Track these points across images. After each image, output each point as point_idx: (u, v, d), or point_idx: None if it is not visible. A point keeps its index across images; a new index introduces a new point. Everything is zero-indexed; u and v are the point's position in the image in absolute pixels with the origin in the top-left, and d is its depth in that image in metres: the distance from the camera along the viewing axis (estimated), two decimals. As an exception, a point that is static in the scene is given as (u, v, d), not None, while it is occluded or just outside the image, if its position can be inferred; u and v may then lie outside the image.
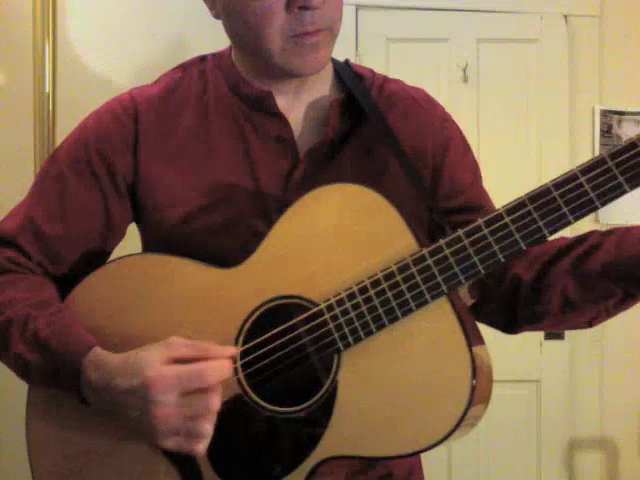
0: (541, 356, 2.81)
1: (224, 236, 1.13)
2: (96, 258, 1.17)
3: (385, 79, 1.24)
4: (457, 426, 0.95)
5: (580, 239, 1.09)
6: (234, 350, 1.03)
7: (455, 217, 1.16)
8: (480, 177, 1.26)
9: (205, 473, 1.05)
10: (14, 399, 1.30)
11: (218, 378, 0.96)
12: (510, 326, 1.17)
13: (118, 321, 1.09)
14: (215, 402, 0.97)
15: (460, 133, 1.25)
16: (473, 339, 0.97)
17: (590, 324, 1.12)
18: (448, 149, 1.21)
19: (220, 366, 0.97)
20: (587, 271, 1.06)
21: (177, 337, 1.00)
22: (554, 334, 2.77)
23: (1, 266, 1.13)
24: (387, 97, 1.21)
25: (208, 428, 0.97)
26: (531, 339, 2.76)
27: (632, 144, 0.93)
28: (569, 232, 1.09)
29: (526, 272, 1.11)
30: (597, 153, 2.79)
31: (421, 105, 1.23)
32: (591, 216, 2.73)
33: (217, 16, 1.15)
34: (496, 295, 1.14)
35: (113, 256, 1.19)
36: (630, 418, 2.84)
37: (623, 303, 1.06)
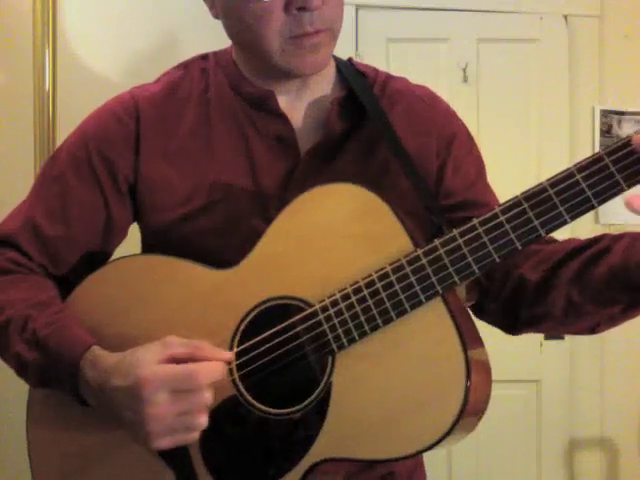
0: (541, 356, 2.80)
1: (224, 236, 1.13)
2: (97, 259, 1.17)
3: (388, 77, 1.23)
4: (451, 429, 0.93)
5: (591, 242, 1.07)
6: (229, 354, 1.03)
7: (459, 213, 1.15)
8: (485, 173, 1.25)
9: (200, 474, 1.05)
10: (14, 399, 1.31)
11: (210, 379, 0.97)
12: (512, 326, 1.16)
13: (118, 321, 1.09)
14: (207, 397, 0.97)
15: (465, 129, 1.25)
16: (469, 340, 0.96)
17: (593, 331, 1.09)
18: (452, 145, 1.20)
19: (213, 368, 0.97)
20: (593, 275, 1.03)
21: (174, 336, 1.00)
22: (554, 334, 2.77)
23: (2, 267, 1.13)
24: (390, 95, 1.20)
25: (202, 421, 0.97)
26: (531, 339, 2.75)
27: (629, 141, 0.91)
28: (569, 232, 1.09)
29: (532, 273, 1.10)
30: (597, 153, 2.79)
31: (424, 102, 1.22)
32: (591, 216, 2.74)
33: (216, 16, 1.15)
34: (500, 294, 1.13)
35: (114, 256, 1.19)
36: (630, 418, 2.84)
37: (628, 311, 1.04)
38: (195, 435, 0.98)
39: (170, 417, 0.95)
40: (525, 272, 1.11)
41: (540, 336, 2.77)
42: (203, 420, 0.97)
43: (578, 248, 1.07)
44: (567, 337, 2.79)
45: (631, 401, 2.83)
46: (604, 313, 1.05)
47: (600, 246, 1.05)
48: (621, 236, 1.04)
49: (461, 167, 1.20)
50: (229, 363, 1.03)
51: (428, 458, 1.13)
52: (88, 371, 1.02)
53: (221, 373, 0.99)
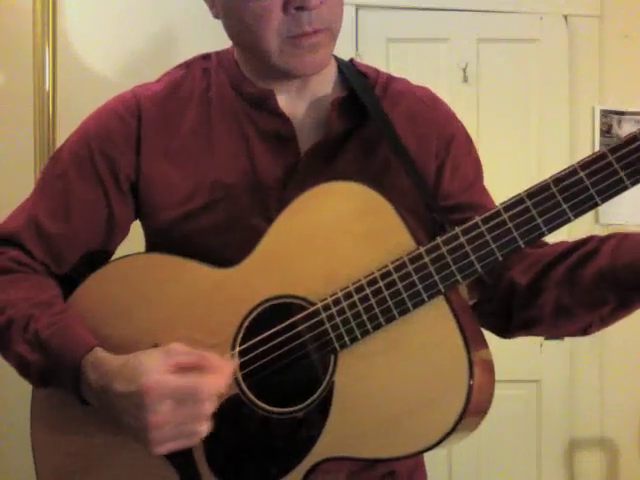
0: (541, 356, 2.80)
1: (225, 234, 1.13)
2: (99, 258, 1.17)
3: (390, 78, 1.24)
4: (453, 429, 0.93)
5: (579, 244, 1.07)
6: (233, 365, 1.02)
7: (455, 215, 1.15)
8: (482, 176, 1.25)
9: (203, 474, 1.05)
10: (16, 399, 1.30)
11: (213, 394, 0.96)
12: (505, 330, 1.16)
13: (121, 320, 1.09)
14: (208, 409, 0.96)
15: (464, 131, 1.25)
16: (472, 339, 0.95)
17: (585, 332, 1.10)
18: (451, 144, 1.20)
19: (217, 381, 0.97)
20: (582, 277, 1.04)
21: (178, 344, 1.00)
22: (554, 334, 2.76)
23: (5, 266, 1.13)
24: (391, 95, 1.20)
25: (203, 429, 0.97)
26: (531, 339, 2.72)
27: (633, 138, 0.90)
28: (567, 232, 1.08)
29: (522, 276, 1.10)
30: (597, 154, 2.79)
31: (425, 103, 1.22)
32: (591, 216, 2.74)
33: (217, 16, 1.15)
34: (493, 298, 1.13)
35: (116, 254, 1.19)
36: (630, 418, 2.84)
37: (617, 311, 1.04)
38: (196, 441, 0.98)
39: (171, 425, 0.95)
40: (515, 275, 1.11)
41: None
42: (204, 428, 0.97)
43: (566, 251, 1.07)
44: (567, 337, 2.79)
45: (631, 401, 2.83)
46: (594, 314, 1.05)
47: (588, 248, 1.05)
48: (608, 237, 1.04)
49: (459, 167, 1.21)
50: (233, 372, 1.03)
51: (428, 458, 1.13)
52: (90, 374, 1.02)
53: (225, 386, 0.98)
